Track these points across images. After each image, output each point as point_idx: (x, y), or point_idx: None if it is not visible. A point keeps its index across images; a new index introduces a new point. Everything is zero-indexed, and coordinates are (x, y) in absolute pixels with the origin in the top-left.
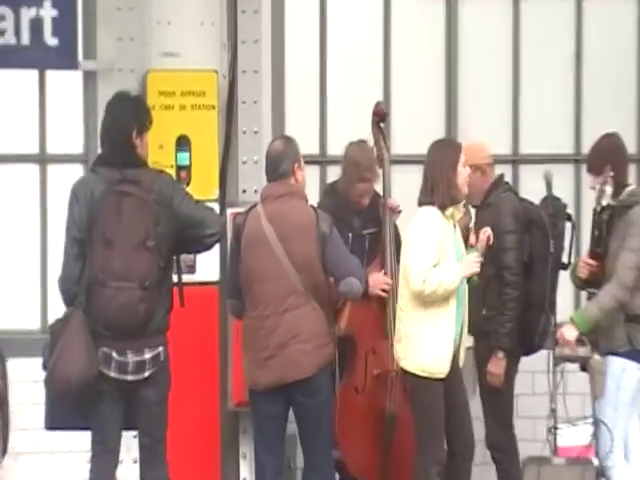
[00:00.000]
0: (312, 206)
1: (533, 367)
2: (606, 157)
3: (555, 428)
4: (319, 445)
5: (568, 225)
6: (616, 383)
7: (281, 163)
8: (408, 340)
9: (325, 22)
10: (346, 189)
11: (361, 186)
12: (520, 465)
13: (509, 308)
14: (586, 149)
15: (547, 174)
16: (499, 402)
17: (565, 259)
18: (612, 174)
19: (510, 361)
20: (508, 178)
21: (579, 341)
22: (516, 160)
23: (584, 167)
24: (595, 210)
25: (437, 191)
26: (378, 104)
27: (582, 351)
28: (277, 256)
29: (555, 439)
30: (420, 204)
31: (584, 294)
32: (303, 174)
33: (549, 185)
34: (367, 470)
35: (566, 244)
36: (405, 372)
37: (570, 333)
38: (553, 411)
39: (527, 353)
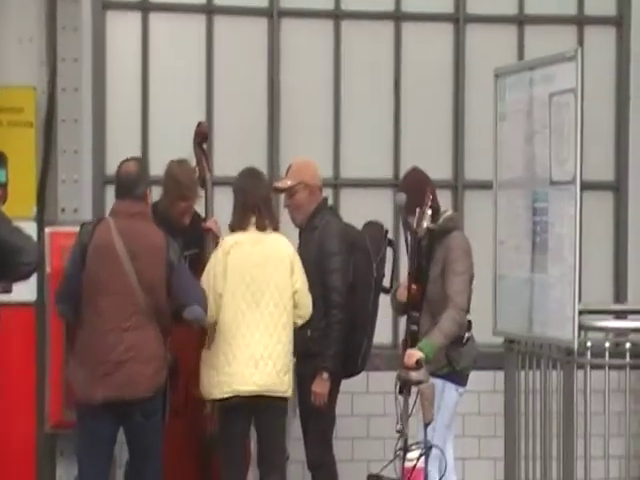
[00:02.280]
0: (163, 232)
1: (352, 388)
2: (423, 184)
3: (403, 450)
4: (150, 469)
5: (389, 250)
6: (436, 404)
7: (138, 185)
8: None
9: (147, 40)
10: (167, 208)
11: (182, 205)
12: None
13: (336, 330)
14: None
15: (399, 197)
16: (321, 423)
17: (387, 283)
18: (431, 197)
19: (333, 382)
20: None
21: (416, 366)
22: (337, 184)
23: None
24: (415, 234)
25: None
26: (200, 124)
27: (414, 375)
28: (126, 272)
29: (403, 461)
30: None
31: (402, 321)
32: (150, 199)
33: (401, 208)
34: None
35: (387, 269)
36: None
37: (411, 359)
38: (399, 432)
39: (350, 375)
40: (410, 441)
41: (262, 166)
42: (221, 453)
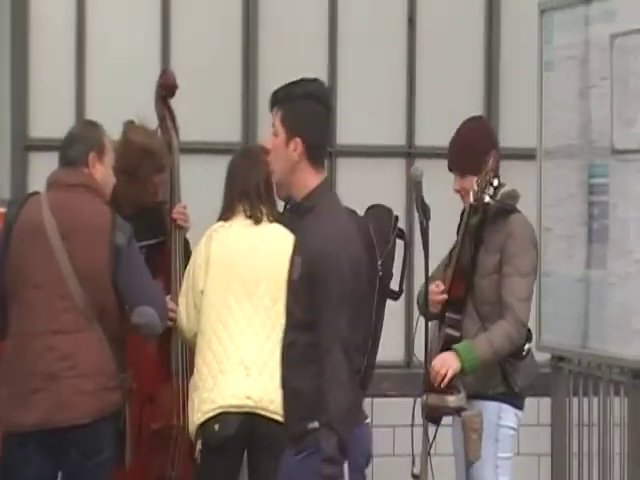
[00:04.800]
0: (111, 209)
1: None
2: (486, 140)
3: None
4: None
5: (399, 243)
6: (492, 435)
7: (72, 146)
8: None
9: None
10: (137, 187)
11: (156, 179)
12: None
13: None
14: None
15: (415, 171)
16: None
17: (395, 285)
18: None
19: None
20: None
21: (450, 387)
22: (332, 153)
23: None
24: (465, 211)
25: None
26: (165, 73)
27: (452, 400)
28: (55, 257)
29: None
30: None
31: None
32: (105, 171)
33: (418, 187)
34: None
35: (396, 267)
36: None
37: (444, 367)
38: (415, 477)
39: None
40: None
41: (235, 124)
42: None
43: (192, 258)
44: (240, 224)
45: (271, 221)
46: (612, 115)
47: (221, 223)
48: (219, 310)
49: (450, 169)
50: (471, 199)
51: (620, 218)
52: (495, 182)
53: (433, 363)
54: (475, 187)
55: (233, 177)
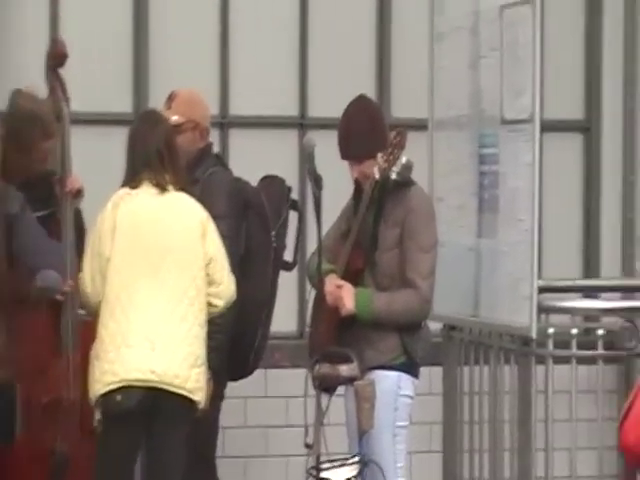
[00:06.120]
0: (1, 179)
1: (245, 392)
2: (381, 117)
3: (317, 469)
4: None
5: (293, 214)
6: (391, 404)
7: None
8: None
9: None
10: (21, 155)
11: (44, 146)
12: None
13: (220, 314)
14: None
15: (308, 142)
16: (200, 437)
17: (289, 257)
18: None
19: (216, 384)
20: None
21: (343, 357)
22: (225, 124)
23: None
24: (370, 185)
25: None
26: (54, 42)
27: (345, 370)
28: None
29: None
30: None
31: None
32: None
33: (311, 157)
34: None
35: (289, 238)
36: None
37: (348, 304)
38: (308, 446)
39: (238, 376)
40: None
41: (125, 95)
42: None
43: (98, 224)
44: (146, 193)
45: (177, 190)
46: (501, 86)
47: (127, 190)
48: (125, 280)
49: (345, 158)
50: (377, 175)
51: (510, 188)
52: (404, 159)
53: (331, 289)
54: (381, 163)
55: (133, 143)
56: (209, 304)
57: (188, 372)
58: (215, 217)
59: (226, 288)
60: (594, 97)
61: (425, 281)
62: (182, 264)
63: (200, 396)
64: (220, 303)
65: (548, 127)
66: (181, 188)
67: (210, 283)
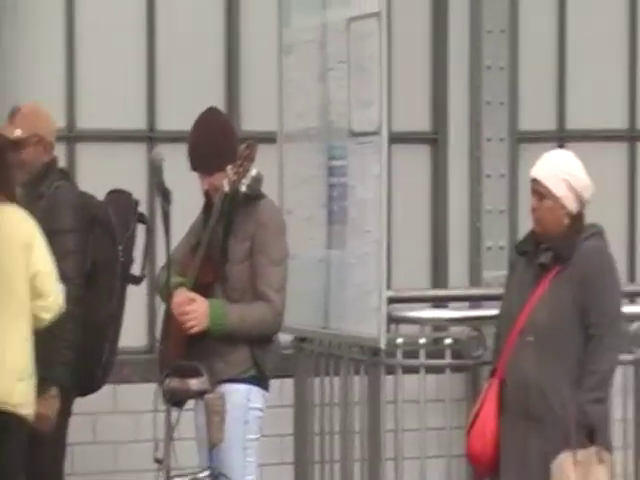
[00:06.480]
0: None
1: (94, 408)
2: (230, 129)
3: None
4: None
5: (141, 228)
6: (241, 417)
7: None
8: None
9: None
10: None
11: None
12: None
13: (68, 330)
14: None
15: (156, 155)
16: (47, 455)
17: (137, 271)
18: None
19: (64, 400)
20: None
21: (193, 371)
22: (71, 137)
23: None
24: (220, 199)
25: None
26: None
27: (194, 384)
28: None
29: None
30: None
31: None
32: None
33: (159, 171)
34: None
35: (138, 252)
36: None
37: (201, 321)
38: (158, 461)
39: (86, 391)
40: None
41: None
42: None
43: None
44: None
45: (5, 202)
46: (349, 98)
47: None
48: None
49: (194, 169)
50: (226, 188)
51: (358, 199)
52: (253, 172)
53: (185, 308)
54: (230, 175)
55: None
56: (35, 317)
57: (12, 386)
58: (61, 231)
59: (54, 301)
60: (441, 109)
61: (277, 294)
62: (2, 277)
63: (28, 410)
64: (47, 316)
65: (396, 139)
66: (11, 200)
67: (37, 296)
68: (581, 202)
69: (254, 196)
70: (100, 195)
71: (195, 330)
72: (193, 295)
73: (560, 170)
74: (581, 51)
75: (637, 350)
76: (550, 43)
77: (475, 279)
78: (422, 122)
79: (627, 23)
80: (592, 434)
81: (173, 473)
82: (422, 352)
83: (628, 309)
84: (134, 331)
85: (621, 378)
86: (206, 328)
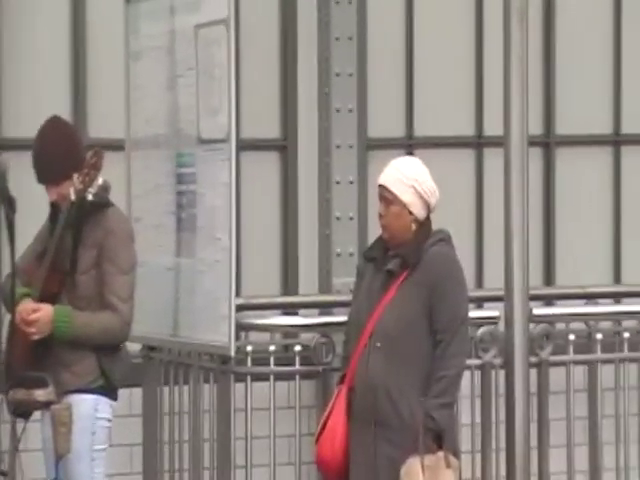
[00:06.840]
0: None
1: None
2: (76, 137)
3: None
4: None
5: None
6: (88, 428)
7: None
8: None
9: None
10: None
11: None
12: None
13: None
14: None
15: (1, 163)
16: None
17: None
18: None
19: None
20: None
21: (39, 382)
22: None
23: None
24: (67, 208)
25: None
26: None
27: (41, 394)
28: None
29: None
30: None
31: None
32: None
33: (3, 178)
34: None
35: None
36: None
37: (44, 330)
38: (3, 474)
39: None
40: None
41: None
42: None
43: None
44: None
45: None
46: (198, 105)
47: None
48: None
49: (40, 182)
50: (72, 196)
51: (208, 207)
52: (100, 180)
53: (30, 317)
54: (77, 184)
55: None
56: None
57: None
58: None
59: None
60: (290, 116)
61: (125, 304)
62: None
63: None
64: None
65: (245, 146)
66: None
67: None
68: (428, 208)
69: (102, 204)
70: None
71: (38, 337)
72: (37, 305)
73: (406, 176)
74: (429, 58)
75: (484, 355)
76: (398, 50)
77: (325, 286)
78: (271, 129)
79: (472, 29)
80: (440, 439)
81: None
82: (271, 360)
83: (475, 314)
84: None
85: (468, 383)
86: (50, 333)
